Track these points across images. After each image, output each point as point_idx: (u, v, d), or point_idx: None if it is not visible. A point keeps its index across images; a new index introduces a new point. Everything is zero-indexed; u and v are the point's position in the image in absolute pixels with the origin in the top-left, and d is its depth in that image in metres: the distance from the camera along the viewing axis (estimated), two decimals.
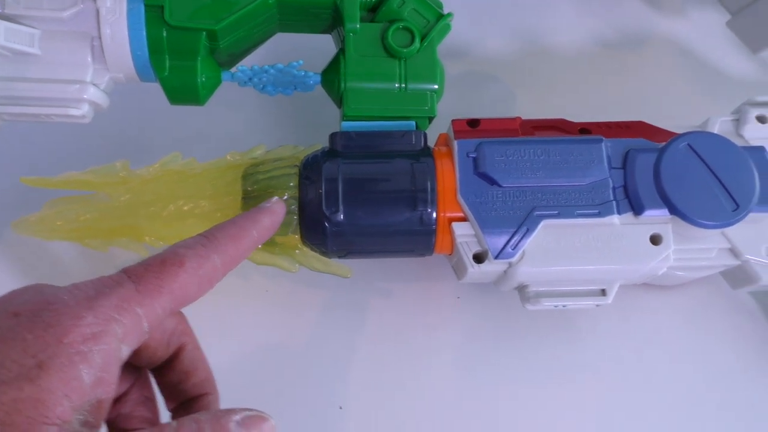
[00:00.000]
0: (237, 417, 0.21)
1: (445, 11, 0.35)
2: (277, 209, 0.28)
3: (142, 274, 0.22)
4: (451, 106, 0.37)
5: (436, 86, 0.34)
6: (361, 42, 0.33)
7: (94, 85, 0.31)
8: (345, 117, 0.33)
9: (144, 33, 0.31)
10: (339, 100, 0.34)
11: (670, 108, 0.44)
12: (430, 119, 0.34)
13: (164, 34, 0.31)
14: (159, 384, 0.27)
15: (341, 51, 0.34)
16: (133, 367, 0.26)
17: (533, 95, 0.45)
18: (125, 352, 0.22)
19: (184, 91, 0.32)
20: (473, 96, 0.44)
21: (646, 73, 0.46)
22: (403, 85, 0.33)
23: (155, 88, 0.33)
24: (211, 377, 0.27)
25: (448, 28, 0.35)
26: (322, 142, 0.35)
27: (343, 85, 0.33)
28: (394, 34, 0.33)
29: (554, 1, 0.48)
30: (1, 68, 0.30)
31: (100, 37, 0.31)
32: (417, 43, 0.33)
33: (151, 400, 0.27)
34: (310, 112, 0.41)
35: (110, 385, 0.21)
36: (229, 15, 0.32)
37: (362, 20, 0.34)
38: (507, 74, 0.45)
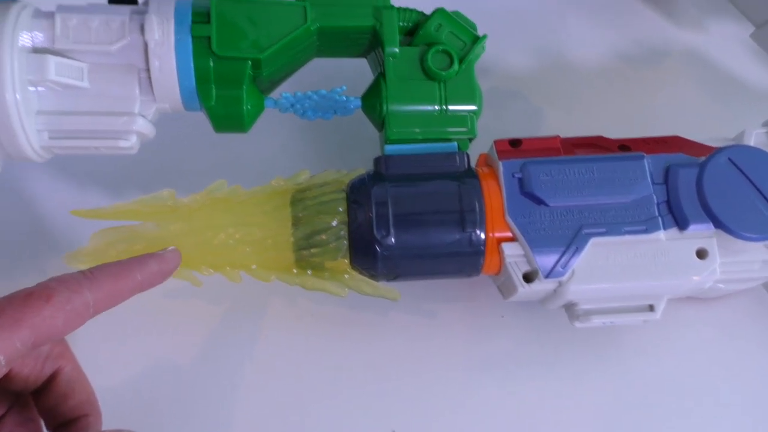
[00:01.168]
0: None
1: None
2: (169, 258, 0.29)
3: (3, 308, 0.23)
4: (479, 124, 0.38)
5: (475, 107, 0.34)
6: (400, 66, 0.34)
7: (142, 116, 0.32)
8: (388, 140, 0.34)
9: (191, 64, 0.31)
10: (380, 124, 0.34)
11: (694, 120, 0.45)
12: (470, 140, 0.34)
13: (211, 64, 0.31)
14: (37, 406, 0.28)
15: (381, 75, 0.34)
16: (10, 390, 0.27)
17: (558, 110, 0.45)
18: None
19: (229, 119, 0.33)
20: (499, 113, 0.45)
21: (668, 86, 0.47)
22: (444, 107, 0.34)
23: (191, 115, 0.33)
24: (91, 398, 0.28)
25: (483, 49, 0.36)
26: (358, 163, 0.35)
27: (385, 108, 0.33)
28: (434, 57, 0.34)
29: (573, 15, 0.49)
30: (52, 102, 0.30)
31: (148, 69, 0.31)
32: (456, 66, 0.34)
33: (32, 421, 0.28)
34: (346, 134, 0.41)
35: None
36: (273, 44, 0.32)
37: (400, 44, 0.34)
38: (530, 90, 0.46)
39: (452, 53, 0.34)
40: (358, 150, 0.41)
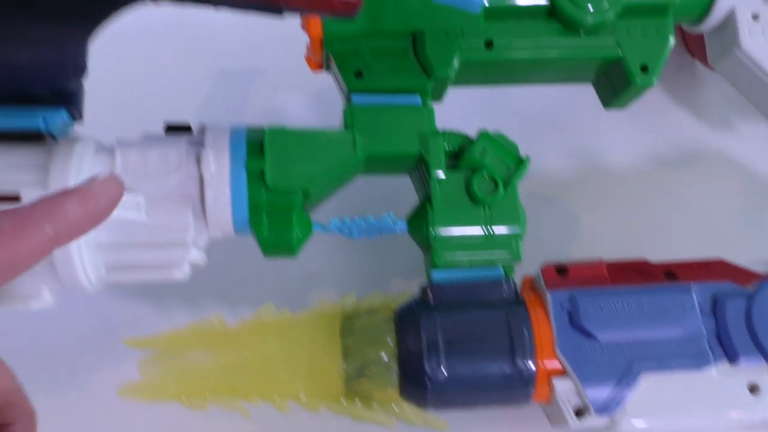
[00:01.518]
0: None
1: (501, 131, 0.36)
2: (96, 191, 0.20)
3: None
4: None
5: (519, 229, 0.35)
6: (446, 191, 0.35)
7: (195, 245, 0.32)
8: (434, 266, 0.34)
9: (245, 196, 0.32)
10: (426, 247, 0.35)
11: (731, 223, 0.45)
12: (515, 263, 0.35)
13: (264, 195, 0.32)
14: None
15: (427, 199, 0.35)
16: None
17: (594, 215, 0.46)
18: None
19: (279, 245, 0.33)
20: (535, 218, 0.45)
21: (702, 190, 0.47)
22: (489, 231, 0.34)
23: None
24: (15, 400, 0.21)
25: (526, 170, 0.36)
26: (401, 274, 0.36)
27: (431, 233, 0.34)
28: (479, 182, 0.34)
29: (607, 117, 0.50)
30: (109, 235, 0.31)
31: (202, 201, 0.32)
32: (501, 191, 0.34)
33: None
34: (388, 247, 0.42)
35: None
36: (323, 174, 0.33)
37: (446, 167, 0.35)
38: (566, 193, 0.47)
39: (497, 178, 0.35)
40: (401, 262, 0.41)
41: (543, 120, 0.49)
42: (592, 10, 0.35)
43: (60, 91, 0.30)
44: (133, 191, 0.31)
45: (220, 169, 0.31)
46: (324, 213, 0.36)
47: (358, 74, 0.35)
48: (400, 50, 0.36)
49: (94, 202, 0.20)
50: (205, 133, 0.33)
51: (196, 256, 0.32)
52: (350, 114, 0.34)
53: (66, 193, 0.19)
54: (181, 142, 0.32)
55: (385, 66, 0.35)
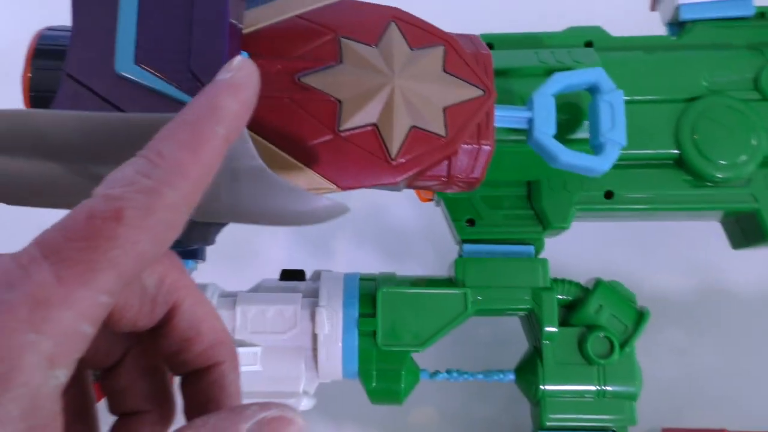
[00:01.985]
0: (249, 423, 0.16)
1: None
2: (242, 79, 0.19)
3: (61, 248, 0.15)
4: None
5: (635, 390, 0.33)
6: (558, 347, 0.34)
7: (306, 394, 0.33)
8: (542, 427, 0.33)
9: (356, 353, 0.33)
10: (534, 403, 0.34)
11: None
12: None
13: (374, 354, 0.33)
14: (158, 353, 0.20)
15: (538, 353, 0.34)
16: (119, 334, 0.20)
17: (713, 342, 0.43)
18: (62, 376, 0.15)
19: (386, 394, 0.34)
20: (647, 342, 0.43)
21: None
22: (602, 392, 0.33)
23: None
24: (223, 339, 0.21)
25: (645, 327, 0.35)
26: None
27: (540, 391, 0.33)
28: (593, 343, 0.33)
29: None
30: None
31: (314, 353, 0.33)
32: (617, 353, 0.33)
33: (157, 371, 0.21)
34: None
35: (50, 421, 0.15)
36: (434, 334, 0.33)
37: (558, 315, 0.34)
38: (680, 316, 0.44)
39: (613, 339, 0.33)
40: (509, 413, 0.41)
41: (658, 234, 0.46)
42: (724, 163, 0.33)
43: (191, 251, 0.32)
44: (251, 344, 0.33)
45: (333, 329, 0.32)
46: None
47: (471, 222, 0.35)
48: (515, 199, 0.35)
49: (245, 91, 0.19)
50: (319, 286, 0.34)
51: (307, 403, 0.33)
52: (461, 267, 0.34)
53: (219, 90, 0.18)
54: (296, 298, 0.33)
55: (498, 215, 0.35)
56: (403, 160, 0.25)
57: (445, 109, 0.26)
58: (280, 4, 0.26)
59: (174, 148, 0.17)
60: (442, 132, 0.25)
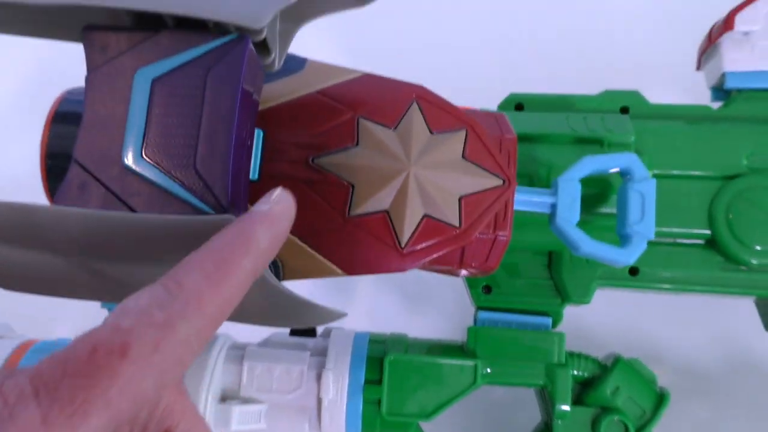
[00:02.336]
0: None
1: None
2: (279, 213, 0.19)
3: (57, 385, 0.14)
4: None
5: None
6: (570, 427, 0.33)
7: None
8: None
9: (360, 421, 0.32)
10: None
11: None
12: None
13: (378, 421, 0.32)
14: None
15: (548, 431, 0.33)
16: None
17: (739, 417, 0.41)
18: None
19: None
20: (676, 415, 0.41)
21: None
22: None
23: None
24: None
25: (665, 411, 0.33)
26: None
27: None
28: (607, 427, 0.32)
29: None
30: None
31: (318, 413, 0.32)
32: None
33: None
34: None
35: None
36: (440, 405, 0.32)
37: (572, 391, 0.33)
38: (708, 389, 0.42)
39: (629, 424, 0.32)
40: None
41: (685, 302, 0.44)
42: (759, 249, 0.31)
43: None
44: (256, 402, 0.32)
45: (338, 394, 0.32)
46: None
47: (487, 289, 0.34)
48: (535, 268, 0.34)
49: (278, 224, 0.19)
50: (328, 345, 0.33)
51: None
52: (474, 336, 0.33)
53: (253, 223, 0.18)
54: (304, 357, 0.33)
55: (516, 283, 0.34)
56: (413, 249, 0.24)
57: (461, 199, 0.25)
58: (300, 78, 0.25)
59: (196, 278, 0.16)
60: (455, 222, 0.25)
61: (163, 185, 0.20)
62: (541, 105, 0.34)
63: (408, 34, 0.49)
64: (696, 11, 0.38)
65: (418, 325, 0.45)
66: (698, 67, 0.37)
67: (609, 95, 0.35)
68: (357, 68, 0.26)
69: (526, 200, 0.27)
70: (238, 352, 0.33)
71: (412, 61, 0.47)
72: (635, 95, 0.35)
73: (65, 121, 0.25)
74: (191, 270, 0.16)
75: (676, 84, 0.40)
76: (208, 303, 0.16)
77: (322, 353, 0.33)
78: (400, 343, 0.34)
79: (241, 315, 0.21)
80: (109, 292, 0.21)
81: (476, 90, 0.36)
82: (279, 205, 0.19)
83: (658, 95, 0.35)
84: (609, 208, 0.32)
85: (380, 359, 0.33)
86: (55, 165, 0.24)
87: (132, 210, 0.20)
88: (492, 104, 0.35)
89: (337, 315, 0.21)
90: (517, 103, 0.35)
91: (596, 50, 0.46)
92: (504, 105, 0.35)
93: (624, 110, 0.34)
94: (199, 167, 0.20)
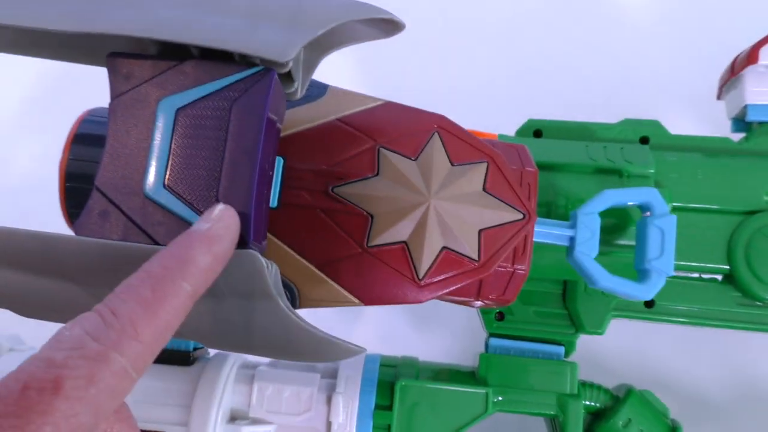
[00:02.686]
0: None
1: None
2: (220, 230, 0.18)
3: None
4: None
5: None
6: None
7: None
8: None
9: None
10: None
11: None
12: None
13: None
14: None
15: None
16: None
17: None
18: None
19: None
20: None
21: None
22: None
23: None
24: None
25: None
26: None
27: None
28: None
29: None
30: None
31: None
32: None
33: None
34: None
35: None
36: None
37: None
38: (720, 418, 0.42)
39: None
40: None
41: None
42: None
43: None
44: (265, 423, 0.32)
45: (347, 418, 0.32)
46: None
47: (500, 316, 0.34)
48: (549, 296, 0.34)
49: (220, 244, 0.18)
50: (339, 368, 0.33)
51: None
52: (486, 364, 0.33)
53: (191, 244, 0.18)
54: (314, 379, 0.33)
55: (529, 311, 0.34)
56: (430, 281, 0.24)
57: (480, 232, 0.24)
58: (321, 105, 0.25)
59: (131, 306, 0.16)
60: (474, 256, 0.24)
61: (185, 216, 0.20)
62: (560, 132, 0.34)
63: (426, 58, 0.49)
64: (717, 41, 0.37)
65: (427, 346, 0.45)
66: (719, 97, 0.37)
67: (629, 124, 0.34)
68: (376, 95, 0.26)
69: (545, 232, 0.27)
70: (249, 372, 0.33)
71: (430, 84, 0.46)
72: (655, 125, 0.34)
73: (86, 142, 0.25)
74: (127, 297, 0.16)
75: (695, 112, 0.40)
76: (144, 331, 0.16)
77: (332, 375, 0.33)
78: (411, 367, 0.34)
79: (256, 349, 0.21)
80: None
81: (494, 114, 0.36)
82: (220, 222, 0.18)
83: (676, 123, 0.35)
84: (626, 240, 0.31)
85: (391, 384, 0.33)
86: (74, 186, 0.24)
87: (153, 240, 0.20)
88: (509, 129, 0.35)
89: (357, 351, 0.21)
90: (536, 129, 0.35)
91: (616, 77, 0.45)
92: (522, 131, 0.35)
93: (644, 140, 0.34)
94: (222, 200, 0.20)
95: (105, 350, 0.15)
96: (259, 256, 0.19)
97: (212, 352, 0.36)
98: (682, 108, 0.38)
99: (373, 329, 0.43)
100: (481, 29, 0.50)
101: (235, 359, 0.34)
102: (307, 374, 0.33)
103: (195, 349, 0.34)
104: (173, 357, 0.33)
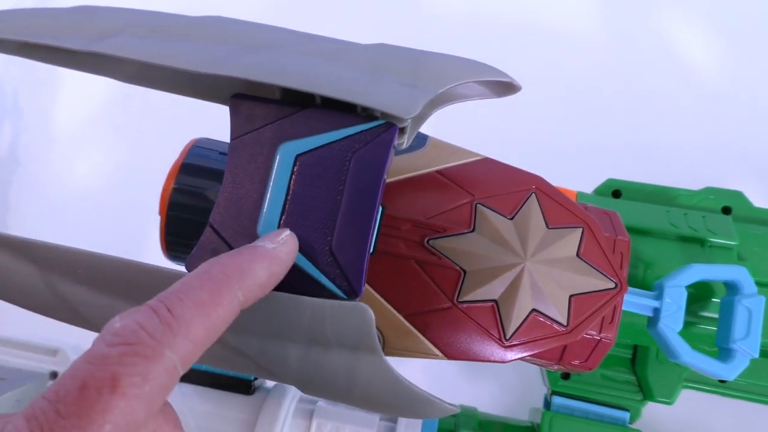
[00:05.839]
0: None
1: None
2: (282, 254, 0.19)
3: (50, 428, 0.14)
4: None
5: None
6: None
7: None
8: None
9: None
10: None
11: None
12: None
13: None
14: None
15: None
16: None
17: None
18: None
19: None
20: None
21: None
22: None
23: None
24: None
25: None
26: None
27: None
28: None
29: None
30: None
31: None
32: None
33: None
34: None
35: None
36: None
37: None
38: None
39: None
40: None
41: None
42: None
43: None
44: None
45: None
46: None
47: (566, 375, 0.33)
48: (618, 360, 0.33)
49: (279, 265, 0.19)
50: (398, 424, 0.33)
51: None
52: (549, 422, 0.32)
53: (255, 257, 0.18)
54: (373, 421, 0.32)
55: (597, 373, 0.33)
56: (516, 342, 0.24)
57: (571, 297, 0.24)
58: (421, 155, 0.25)
59: (188, 306, 0.16)
60: (563, 321, 0.24)
61: (297, 262, 0.20)
62: (639, 194, 0.34)
63: (506, 112, 0.49)
64: None
65: (475, 394, 0.44)
66: None
67: (711, 192, 0.34)
68: (476, 150, 0.26)
69: (631, 302, 0.26)
70: (308, 407, 0.33)
71: (506, 138, 0.46)
72: (738, 195, 0.34)
73: (191, 173, 0.25)
74: (185, 297, 0.17)
75: None
76: (197, 331, 0.16)
77: (392, 419, 0.33)
78: (471, 418, 0.33)
79: (354, 400, 0.20)
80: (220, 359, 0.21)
81: (571, 173, 0.36)
82: (285, 246, 0.19)
83: (760, 195, 0.34)
84: (707, 312, 0.31)
85: (453, 426, 0.32)
86: (175, 216, 0.25)
87: None
88: (584, 185, 0.35)
89: (453, 411, 0.21)
90: (615, 189, 0.34)
91: (700, 142, 0.45)
92: (601, 189, 0.35)
93: (726, 210, 0.34)
94: (335, 249, 0.20)
95: (160, 347, 0.15)
96: (370, 311, 0.19)
97: (271, 383, 0.36)
98: (766, 180, 0.37)
99: (421, 371, 0.42)
100: (564, 90, 0.49)
101: (295, 393, 0.34)
102: (366, 415, 0.33)
103: (255, 378, 0.34)
104: (236, 385, 0.33)
